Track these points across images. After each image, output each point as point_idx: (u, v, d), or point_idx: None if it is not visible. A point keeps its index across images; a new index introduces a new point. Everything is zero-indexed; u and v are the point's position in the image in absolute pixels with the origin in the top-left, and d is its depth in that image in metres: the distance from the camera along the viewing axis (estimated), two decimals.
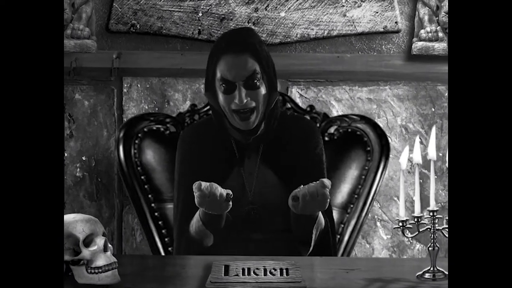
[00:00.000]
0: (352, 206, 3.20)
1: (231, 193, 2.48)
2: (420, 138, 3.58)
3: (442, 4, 3.48)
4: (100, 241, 2.08)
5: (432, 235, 2.16)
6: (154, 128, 3.27)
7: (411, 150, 3.54)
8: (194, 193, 2.47)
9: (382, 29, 3.55)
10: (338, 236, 3.16)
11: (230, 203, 2.49)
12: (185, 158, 2.89)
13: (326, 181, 2.47)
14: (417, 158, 2.22)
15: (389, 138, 3.30)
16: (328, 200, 2.49)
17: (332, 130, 3.26)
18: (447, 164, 2.20)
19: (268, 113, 2.79)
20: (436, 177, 3.48)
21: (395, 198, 3.61)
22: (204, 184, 2.45)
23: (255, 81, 2.71)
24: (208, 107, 3.26)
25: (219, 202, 2.48)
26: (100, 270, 2.05)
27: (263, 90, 2.74)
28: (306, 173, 2.77)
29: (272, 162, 2.83)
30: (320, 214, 2.69)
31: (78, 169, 3.59)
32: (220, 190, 2.47)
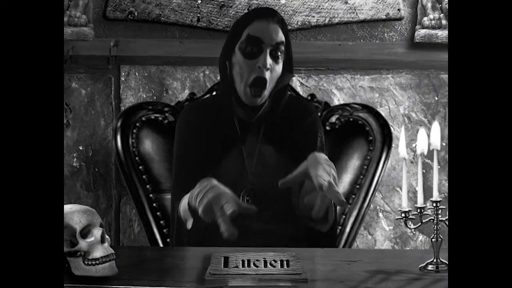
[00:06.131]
0: (353, 196, 3.20)
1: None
2: (423, 127, 3.59)
3: None
4: (97, 232, 2.08)
5: (435, 226, 2.17)
6: (152, 117, 3.27)
7: (413, 140, 3.56)
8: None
9: (384, 16, 3.55)
10: (340, 227, 3.17)
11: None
12: (184, 133, 2.89)
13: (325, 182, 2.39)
14: (424, 148, 2.22)
15: (391, 128, 3.30)
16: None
17: (333, 119, 3.27)
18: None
19: (275, 93, 2.80)
20: (439, 167, 3.49)
21: (398, 189, 3.61)
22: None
23: (279, 53, 2.76)
24: (207, 96, 3.26)
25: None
26: (97, 261, 2.05)
27: (279, 68, 2.78)
28: (300, 148, 2.76)
29: (273, 140, 2.83)
30: None
31: (75, 159, 3.60)
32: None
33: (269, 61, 2.72)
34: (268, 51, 2.73)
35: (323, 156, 2.53)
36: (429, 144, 2.20)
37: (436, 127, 2.22)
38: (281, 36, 2.76)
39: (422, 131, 2.23)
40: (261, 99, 2.75)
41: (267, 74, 2.73)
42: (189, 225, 2.65)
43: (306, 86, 3.58)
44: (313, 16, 3.54)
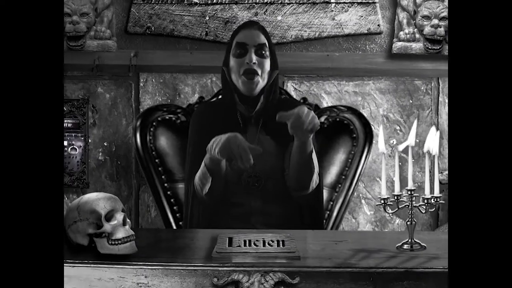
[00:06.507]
0: (340, 185, 3.19)
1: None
2: (399, 126, 3.58)
3: (418, 9, 3.47)
4: (119, 216, 2.07)
5: (410, 211, 2.16)
6: (167, 117, 3.26)
7: (391, 137, 3.55)
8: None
9: (366, 31, 3.54)
10: (328, 212, 3.16)
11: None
12: (197, 124, 2.93)
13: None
14: (401, 147, 2.21)
15: (372, 126, 3.29)
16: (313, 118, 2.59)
17: (322, 119, 3.26)
18: (423, 149, 2.19)
19: (268, 88, 2.86)
20: (413, 160, 3.48)
21: (378, 179, 3.61)
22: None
23: (263, 52, 2.85)
24: (213, 99, 3.25)
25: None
26: (119, 241, 2.04)
27: (268, 65, 2.86)
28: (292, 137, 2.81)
29: (270, 130, 2.87)
30: (315, 158, 2.75)
31: (101, 153, 3.59)
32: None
33: (254, 57, 2.82)
34: (252, 50, 2.83)
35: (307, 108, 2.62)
36: (405, 141, 2.20)
37: (413, 128, 2.22)
38: (262, 39, 2.86)
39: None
40: (255, 84, 2.82)
41: (255, 67, 2.81)
42: (206, 189, 2.71)
43: (299, 90, 3.57)
44: (305, 31, 3.54)
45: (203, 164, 2.69)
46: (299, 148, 2.67)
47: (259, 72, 2.82)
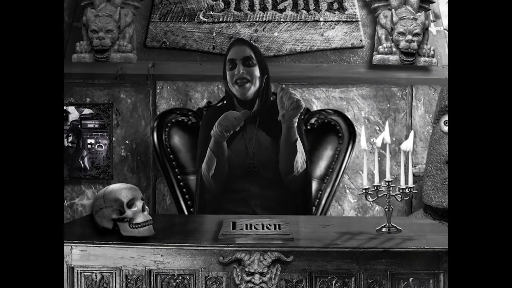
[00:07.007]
0: (327, 177, 3.20)
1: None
2: (378, 127, 3.58)
3: (395, 27, 3.47)
4: (139, 204, 2.07)
5: (388, 199, 2.16)
6: (180, 119, 3.27)
7: (372, 136, 3.56)
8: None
9: (350, 45, 3.55)
10: (317, 200, 3.17)
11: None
12: (206, 126, 2.93)
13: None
14: (379, 142, 2.22)
15: (355, 127, 3.30)
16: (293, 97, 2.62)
17: (313, 121, 3.26)
18: (400, 146, 2.20)
19: (261, 91, 2.88)
20: (390, 156, 3.48)
21: (360, 172, 3.61)
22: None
23: (250, 62, 2.87)
24: (219, 104, 3.26)
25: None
26: (139, 225, 2.04)
27: (257, 71, 2.88)
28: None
29: (265, 127, 2.88)
30: (300, 146, 2.77)
31: (123, 150, 3.59)
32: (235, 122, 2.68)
33: (242, 68, 2.86)
34: (240, 63, 2.87)
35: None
36: (383, 139, 2.21)
37: (387, 127, 2.22)
38: (248, 52, 2.89)
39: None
40: (247, 89, 2.86)
41: (244, 75, 2.85)
42: (212, 171, 2.74)
43: None
44: (298, 45, 3.54)
45: (208, 149, 2.73)
46: (285, 134, 2.69)
47: (250, 78, 2.85)
